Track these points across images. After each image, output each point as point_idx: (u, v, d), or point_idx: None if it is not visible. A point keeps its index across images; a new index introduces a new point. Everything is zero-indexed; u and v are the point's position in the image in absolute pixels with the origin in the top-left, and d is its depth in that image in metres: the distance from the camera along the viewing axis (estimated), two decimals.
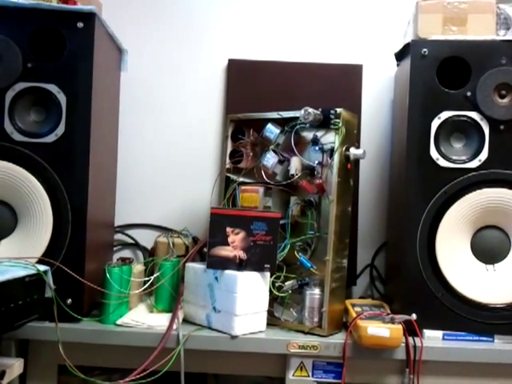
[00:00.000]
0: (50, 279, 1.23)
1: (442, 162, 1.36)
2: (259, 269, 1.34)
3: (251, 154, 1.52)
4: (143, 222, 1.77)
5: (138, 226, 1.77)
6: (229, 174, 1.55)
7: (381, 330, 1.26)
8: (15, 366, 1.21)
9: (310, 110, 1.36)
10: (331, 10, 1.78)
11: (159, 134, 1.78)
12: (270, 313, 1.39)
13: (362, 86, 1.72)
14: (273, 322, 1.40)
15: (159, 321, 1.35)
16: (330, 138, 1.38)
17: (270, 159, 1.44)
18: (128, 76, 1.69)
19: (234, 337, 1.30)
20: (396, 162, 1.57)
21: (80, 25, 1.32)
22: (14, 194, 1.32)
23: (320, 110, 1.38)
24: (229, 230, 1.33)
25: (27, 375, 1.33)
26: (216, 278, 1.34)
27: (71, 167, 1.33)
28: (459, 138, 1.39)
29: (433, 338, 1.34)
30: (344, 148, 1.36)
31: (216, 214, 1.34)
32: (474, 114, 1.35)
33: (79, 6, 1.34)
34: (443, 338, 1.35)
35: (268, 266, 1.35)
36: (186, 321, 1.39)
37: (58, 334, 1.23)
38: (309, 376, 1.32)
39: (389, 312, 1.37)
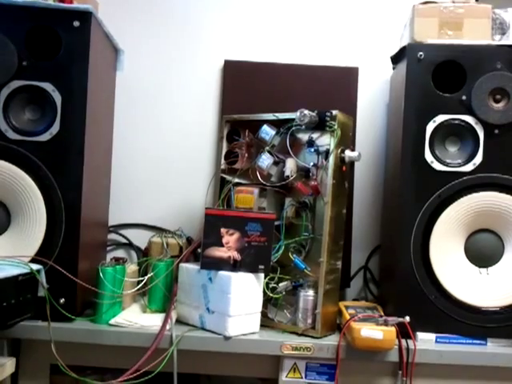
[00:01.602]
0: (43, 278, 1.22)
1: (437, 166, 1.37)
2: (253, 270, 1.34)
3: (246, 155, 1.52)
4: (137, 222, 1.76)
5: (132, 225, 1.76)
6: (224, 175, 1.55)
7: (374, 332, 1.26)
8: (7, 365, 1.21)
9: (306, 111, 1.36)
10: (328, 13, 1.79)
11: (154, 134, 1.78)
12: (264, 314, 1.39)
13: (357, 89, 1.72)
14: (266, 323, 1.40)
15: (152, 321, 1.34)
16: (326, 140, 1.38)
17: (265, 160, 1.44)
18: (124, 76, 1.68)
19: (227, 338, 1.29)
20: (391, 165, 1.57)
21: (76, 24, 1.32)
22: (8, 192, 1.32)
23: (316, 111, 1.38)
24: (223, 230, 1.33)
25: (19, 374, 1.32)
26: (210, 279, 1.33)
27: (65, 166, 1.32)
28: (454, 142, 1.40)
29: (426, 340, 1.35)
30: (339, 150, 1.37)
31: (210, 215, 1.34)
32: (468, 118, 1.36)
33: (75, 5, 1.34)
34: (436, 341, 1.35)
35: (262, 267, 1.35)
36: (179, 321, 1.39)
37: (50, 334, 1.23)
38: (302, 377, 1.32)
39: (382, 314, 1.37)
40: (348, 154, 1.37)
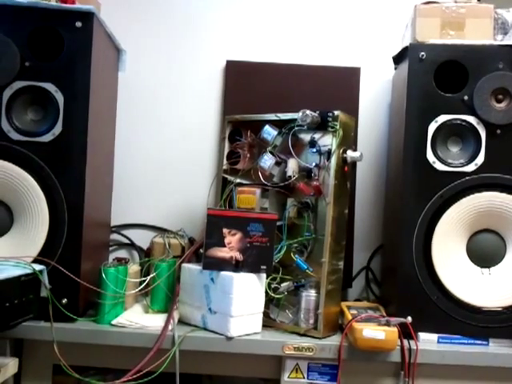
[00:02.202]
0: (45, 279, 1.23)
1: (439, 166, 1.37)
2: (255, 270, 1.34)
3: (248, 155, 1.52)
4: (139, 222, 1.76)
5: (134, 226, 1.77)
6: (226, 175, 1.55)
7: (376, 332, 1.26)
8: (10, 366, 1.21)
9: (308, 112, 1.36)
10: (330, 13, 1.79)
11: (157, 135, 1.78)
12: (266, 314, 1.39)
13: (359, 89, 1.72)
14: (268, 323, 1.40)
15: (154, 321, 1.35)
16: (328, 141, 1.38)
17: (267, 161, 1.44)
18: (126, 76, 1.69)
19: (229, 338, 1.30)
20: (393, 165, 1.57)
21: (78, 24, 1.32)
22: (11, 192, 1.32)
23: (318, 112, 1.38)
24: (225, 231, 1.33)
25: (22, 375, 1.33)
26: (212, 279, 1.34)
27: (68, 167, 1.32)
28: (456, 142, 1.39)
29: (428, 340, 1.35)
30: (341, 150, 1.37)
31: (213, 215, 1.34)
32: (470, 118, 1.36)
33: (78, 6, 1.34)
34: (438, 341, 1.35)
35: (264, 267, 1.35)
36: (181, 322, 1.39)
37: (53, 334, 1.23)
38: (304, 378, 1.32)
39: (384, 315, 1.37)
40: (350, 154, 1.37)
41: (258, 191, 1.46)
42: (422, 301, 1.35)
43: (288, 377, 1.33)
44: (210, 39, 1.79)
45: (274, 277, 1.39)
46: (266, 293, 1.37)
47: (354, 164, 1.57)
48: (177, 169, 1.77)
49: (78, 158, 1.33)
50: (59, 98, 1.32)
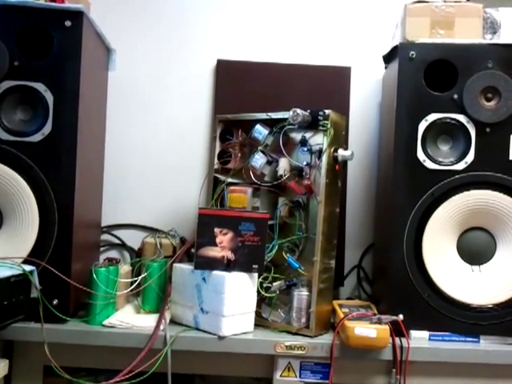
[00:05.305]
0: (35, 279, 1.22)
1: (429, 164, 1.37)
2: (247, 269, 1.34)
3: (239, 154, 1.52)
4: (130, 223, 1.76)
5: (125, 226, 1.76)
6: (217, 175, 1.55)
7: (368, 330, 1.27)
8: (0, 368, 1.20)
9: (299, 111, 1.37)
10: (320, 12, 1.79)
11: (147, 134, 1.77)
12: (258, 313, 1.39)
13: (350, 88, 1.73)
14: (260, 322, 1.40)
15: (146, 322, 1.34)
16: (319, 140, 1.38)
17: (259, 160, 1.44)
18: (116, 76, 1.68)
19: (221, 337, 1.29)
20: (383, 164, 1.58)
21: (68, 23, 1.31)
22: (0, 193, 1.31)
23: (308, 111, 1.39)
24: (217, 230, 1.33)
25: (12, 376, 1.32)
26: (204, 279, 1.33)
27: (58, 167, 1.32)
28: (446, 141, 1.40)
29: (419, 338, 1.35)
30: (332, 149, 1.37)
31: (204, 215, 1.34)
32: (460, 117, 1.37)
33: (67, 5, 1.34)
34: (429, 339, 1.36)
35: (256, 266, 1.35)
36: (173, 322, 1.38)
37: (43, 335, 1.22)
38: (296, 376, 1.33)
39: (376, 312, 1.38)
40: (341, 153, 1.38)
41: (249, 190, 1.46)
42: (413, 299, 1.36)
43: (280, 376, 1.33)
44: (200, 38, 1.78)
45: (266, 276, 1.39)
46: (258, 292, 1.37)
47: (344, 163, 1.57)
48: (167, 168, 1.77)
49: (68, 157, 1.32)
50: (49, 97, 1.31)
